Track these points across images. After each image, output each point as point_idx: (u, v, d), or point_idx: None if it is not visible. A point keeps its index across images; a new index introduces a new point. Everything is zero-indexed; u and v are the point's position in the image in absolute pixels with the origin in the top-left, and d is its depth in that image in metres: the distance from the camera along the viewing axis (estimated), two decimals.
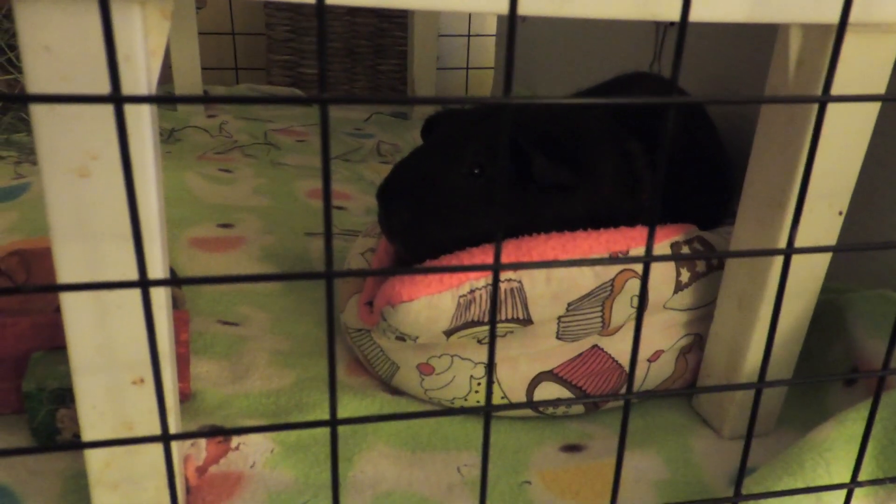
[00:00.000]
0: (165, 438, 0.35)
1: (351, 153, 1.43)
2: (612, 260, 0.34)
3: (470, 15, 2.05)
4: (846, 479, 0.50)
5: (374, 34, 1.85)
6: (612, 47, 1.25)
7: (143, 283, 0.32)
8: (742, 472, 0.44)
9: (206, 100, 0.29)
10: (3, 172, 1.16)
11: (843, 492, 0.48)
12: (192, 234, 0.98)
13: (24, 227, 0.96)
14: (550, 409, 0.67)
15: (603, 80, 0.88)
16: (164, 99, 0.29)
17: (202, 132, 1.47)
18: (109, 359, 0.44)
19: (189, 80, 1.67)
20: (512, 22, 0.29)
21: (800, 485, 0.50)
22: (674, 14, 0.45)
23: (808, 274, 0.59)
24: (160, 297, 0.44)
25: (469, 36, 2.06)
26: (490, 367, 0.35)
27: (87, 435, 0.46)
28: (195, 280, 0.33)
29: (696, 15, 0.46)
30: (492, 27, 2.05)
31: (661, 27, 1.09)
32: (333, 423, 0.36)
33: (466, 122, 0.70)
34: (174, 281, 0.33)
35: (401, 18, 1.84)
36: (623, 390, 0.68)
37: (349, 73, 1.85)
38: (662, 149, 0.34)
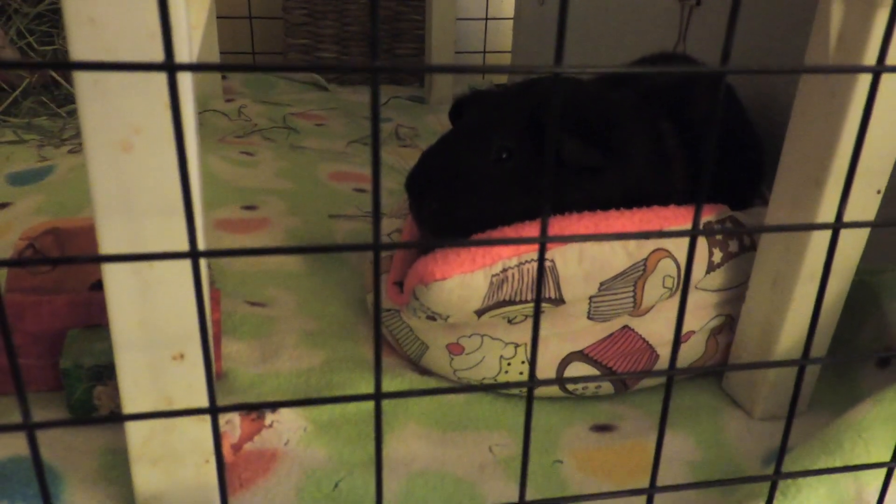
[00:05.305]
0: (213, 411, 0.35)
1: (370, 137, 1.43)
2: (658, 234, 0.34)
3: None
4: (885, 458, 0.50)
5: (391, 18, 1.84)
6: (633, 29, 1.24)
7: (194, 254, 0.32)
8: (783, 449, 0.44)
9: (255, 68, 0.29)
10: (27, 156, 1.16)
11: (882, 471, 0.48)
12: (217, 216, 0.98)
13: (51, 209, 0.97)
14: (580, 390, 0.67)
15: (625, 62, 0.87)
16: (219, 67, 0.29)
17: (221, 116, 1.47)
18: (151, 334, 0.44)
19: None
20: None
21: (838, 464, 0.49)
22: None
23: (845, 252, 0.58)
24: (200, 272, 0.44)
25: (487, 19, 2.05)
26: (535, 340, 0.34)
27: (129, 410, 0.46)
28: (244, 252, 0.32)
29: None
30: (509, 10, 2.03)
31: (685, 7, 1.07)
32: (378, 396, 0.35)
33: (493, 104, 0.70)
34: (225, 252, 0.32)
35: (418, 2, 1.83)
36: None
37: (367, 58, 1.85)
38: (713, 124, 0.34)
